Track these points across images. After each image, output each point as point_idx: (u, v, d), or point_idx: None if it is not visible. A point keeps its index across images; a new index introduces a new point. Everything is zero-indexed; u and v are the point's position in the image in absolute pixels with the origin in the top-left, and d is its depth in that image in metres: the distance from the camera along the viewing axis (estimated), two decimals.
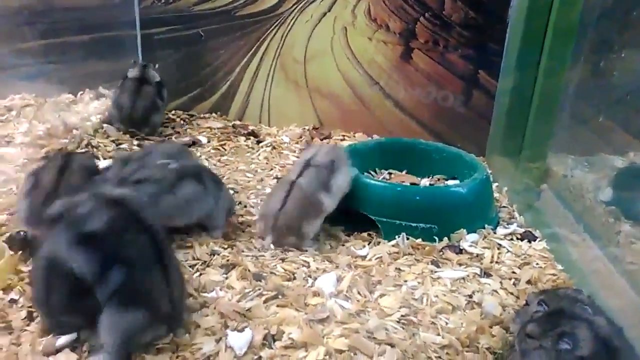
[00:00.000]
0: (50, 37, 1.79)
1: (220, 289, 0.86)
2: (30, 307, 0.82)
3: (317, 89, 1.72)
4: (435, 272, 0.97)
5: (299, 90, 1.73)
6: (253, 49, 1.72)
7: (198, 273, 0.91)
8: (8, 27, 1.76)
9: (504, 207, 1.30)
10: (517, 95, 1.51)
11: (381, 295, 0.88)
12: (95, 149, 1.41)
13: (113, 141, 1.47)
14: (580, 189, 1.29)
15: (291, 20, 1.68)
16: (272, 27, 1.70)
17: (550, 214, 1.29)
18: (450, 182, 1.32)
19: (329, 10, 1.65)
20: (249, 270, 0.91)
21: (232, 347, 0.74)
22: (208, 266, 0.93)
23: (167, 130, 1.60)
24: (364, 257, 1.02)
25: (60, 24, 1.78)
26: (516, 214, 1.26)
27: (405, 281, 0.94)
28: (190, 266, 0.93)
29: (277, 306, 0.82)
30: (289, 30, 1.69)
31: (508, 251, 1.05)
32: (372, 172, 1.37)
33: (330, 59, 1.68)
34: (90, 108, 1.64)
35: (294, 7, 1.67)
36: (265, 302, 0.83)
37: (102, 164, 1.33)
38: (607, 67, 1.32)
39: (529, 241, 1.09)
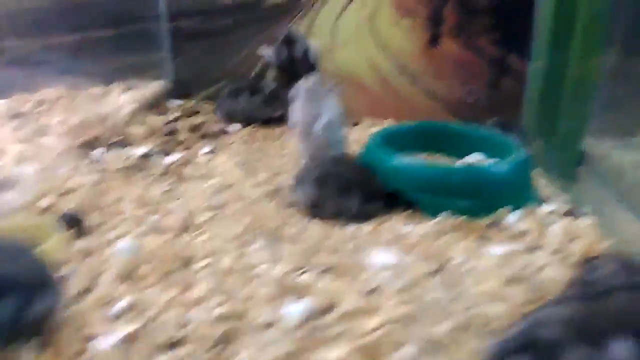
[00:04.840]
0: (79, 32, 1.82)
1: (270, 263, 0.87)
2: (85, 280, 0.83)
3: (345, 77, 1.72)
4: (482, 247, 0.96)
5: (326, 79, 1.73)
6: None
7: (245, 247, 0.91)
8: (38, 24, 1.79)
9: (539, 189, 1.29)
10: (550, 78, 1.50)
11: (430, 271, 0.87)
12: (129, 138, 1.43)
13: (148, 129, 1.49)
14: (620, 168, 1.27)
15: (316, 10, 1.68)
16: (298, 18, 1.70)
17: (589, 194, 1.28)
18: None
19: None
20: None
21: (288, 317, 0.74)
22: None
23: (197, 119, 1.61)
24: (407, 235, 1.02)
25: (89, 18, 1.81)
26: (555, 195, 1.25)
27: (452, 257, 0.93)
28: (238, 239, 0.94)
29: (331, 278, 0.82)
30: (314, 21, 1.70)
31: (554, 227, 1.04)
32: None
33: (357, 47, 1.68)
34: (121, 100, 1.66)
35: None
36: (317, 275, 0.83)
37: (139, 151, 1.36)
38: None
39: (574, 218, 1.08)
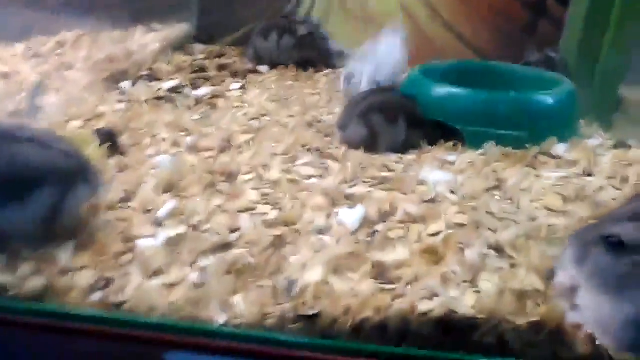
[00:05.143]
0: None
1: (319, 177, 0.83)
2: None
3: (377, 22, 1.66)
4: (534, 172, 0.93)
5: (358, 23, 1.67)
6: None
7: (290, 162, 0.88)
8: None
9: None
10: (590, 25, 1.44)
11: (488, 187, 0.83)
12: (156, 73, 1.38)
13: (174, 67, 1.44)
14: None
15: None
16: None
17: (629, 135, 1.25)
18: None
19: None
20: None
21: (344, 222, 0.71)
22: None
23: (223, 60, 1.56)
24: (452, 163, 0.98)
25: None
26: (597, 134, 1.20)
27: (506, 178, 0.89)
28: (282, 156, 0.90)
29: (384, 190, 0.79)
30: None
31: (604, 157, 0.99)
32: None
33: None
34: (145, 40, 1.61)
35: None
36: (370, 186, 0.80)
37: (167, 84, 1.31)
38: None
39: (627, 149, 1.04)
